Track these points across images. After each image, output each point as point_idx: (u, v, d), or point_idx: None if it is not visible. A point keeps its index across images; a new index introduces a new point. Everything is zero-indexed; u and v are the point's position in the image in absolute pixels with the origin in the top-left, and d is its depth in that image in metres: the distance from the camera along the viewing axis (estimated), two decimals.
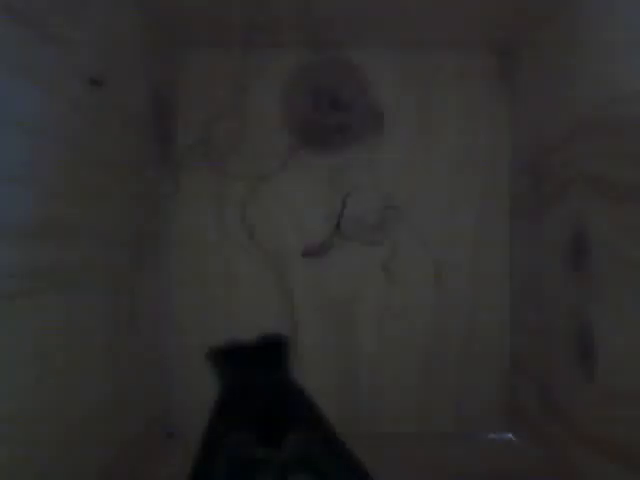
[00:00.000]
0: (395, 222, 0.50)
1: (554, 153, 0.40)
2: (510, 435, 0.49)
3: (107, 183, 0.36)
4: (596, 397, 0.33)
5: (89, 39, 0.33)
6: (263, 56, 0.49)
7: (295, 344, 0.49)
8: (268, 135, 0.50)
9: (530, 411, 0.45)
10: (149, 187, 0.45)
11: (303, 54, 0.50)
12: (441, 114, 0.50)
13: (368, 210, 0.50)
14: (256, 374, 0.34)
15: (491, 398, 0.49)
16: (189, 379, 0.49)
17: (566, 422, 0.37)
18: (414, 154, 0.50)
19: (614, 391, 0.31)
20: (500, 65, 0.50)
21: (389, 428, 0.49)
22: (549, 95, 0.41)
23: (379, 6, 0.41)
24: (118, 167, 0.38)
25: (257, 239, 0.50)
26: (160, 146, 0.47)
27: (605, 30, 0.33)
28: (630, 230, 0.30)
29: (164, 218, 0.49)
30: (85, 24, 0.32)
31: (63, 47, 0.30)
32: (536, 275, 0.44)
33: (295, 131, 0.50)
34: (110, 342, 0.37)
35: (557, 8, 0.39)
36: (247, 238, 0.50)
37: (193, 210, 0.50)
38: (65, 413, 0.31)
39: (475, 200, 0.50)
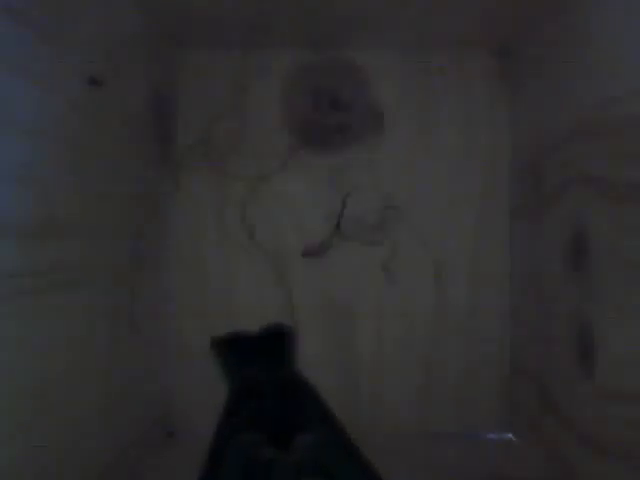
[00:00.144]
0: (395, 222, 0.50)
1: (554, 153, 0.40)
2: (510, 435, 0.49)
3: (107, 183, 0.36)
4: (596, 397, 0.33)
5: (89, 39, 0.33)
6: (263, 56, 0.49)
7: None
8: (268, 135, 0.50)
9: (530, 411, 0.45)
10: (149, 187, 0.45)
11: (303, 54, 0.50)
12: (441, 114, 0.50)
13: (368, 210, 0.50)
14: (260, 362, 0.33)
15: (491, 398, 0.49)
16: (189, 379, 0.49)
17: (566, 422, 0.37)
18: (414, 154, 0.50)
19: (614, 391, 0.31)
20: (500, 65, 0.50)
21: (389, 428, 0.49)
22: (549, 95, 0.41)
23: (379, 6, 0.41)
24: (118, 167, 0.38)
25: (257, 239, 0.50)
26: (160, 146, 0.47)
27: (605, 30, 0.33)
28: (630, 230, 0.30)
29: (164, 218, 0.49)
30: (85, 24, 0.32)
31: (63, 47, 0.30)
32: (536, 275, 0.44)
33: (295, 131, 0.50)
34: (110, 342, 0.37)
35: (557, 8, 0.39)
36: (247, 238, 0.50)
37: (193, 210, 0.50)
38: (65, 413, 0.31)
39: (475, 200, 0.50)
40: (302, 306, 0.50)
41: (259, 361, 0.33)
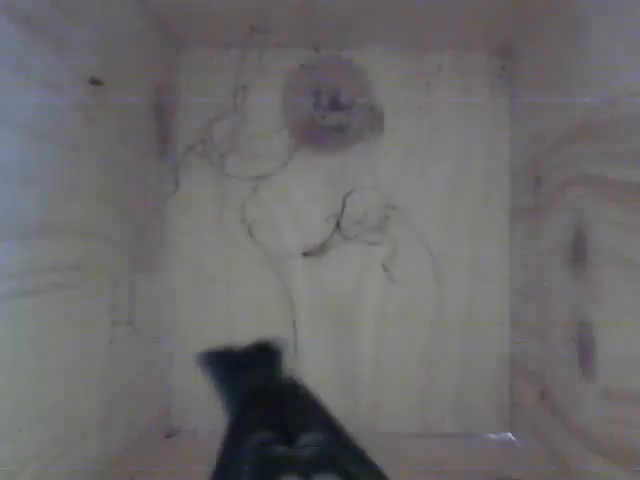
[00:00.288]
0: (395, 222, 0.50)
1: (554, 153, 0.40)
2: (510, 435, 0.49)
3: (107, 183, 0.36)
4: (596, 397, 0.33)
5: (89, 39, 0.33)
6: (263, 56, 0.49)
7: (295, 344, 0.49)
8: (268, 135, 0.50)
9: (530, 411, 0.45)
10: (149, 187, 0.45)
11: (303, 54, 0.50)
12: (441, 114, 0.50)
13: (368, 210, 0.50)
14: (248, 377, 0.34)
15: (491, 398, 0.49)
16: (189, 379, 0.49)
17: (566, 422, 0.37)
18: (414, 154, 0.50)
19: (614, 391, 0.31)
20: (500, 64, 0.50)
21: (389, 428, 0.49)
22: (549, 95, 0.41)
23: (379, 6, 0.41)
24: (118, 167, 0.38)
25: (257, 239, 0.50)
26: (160, 146, 0.46)
27: (605, 30, 0.33)
28: (630, 230, 0.30)
29: (164, 218, 0.49)
30: (85, 24, 0.32)
31: (63, 47, 0.30)
32: (536, 275, 0.44)
33: (295, 131, 0.50)
34: (110, 342, 0.37)
35: (557, 7, 0.39)
36: (247, 238, 0.50)
37: (193, 210, 0.50)
38: (65, 413, 0.31)
39: (475, 200, 0.50)
40: (302, 306, 0.50)
41: (249, 375, 0.34)
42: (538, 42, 0.44)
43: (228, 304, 0.50)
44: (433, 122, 0.50)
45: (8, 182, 0.26)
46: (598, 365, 0.33)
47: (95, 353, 0.35)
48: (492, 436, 0.49)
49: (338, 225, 0.49)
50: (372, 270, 0.50)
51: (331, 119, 0.50)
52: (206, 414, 0.49)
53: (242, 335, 0.49)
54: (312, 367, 0.49)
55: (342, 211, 0.49)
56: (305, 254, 0.50)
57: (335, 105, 0.50)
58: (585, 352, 0.35)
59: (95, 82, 0.33)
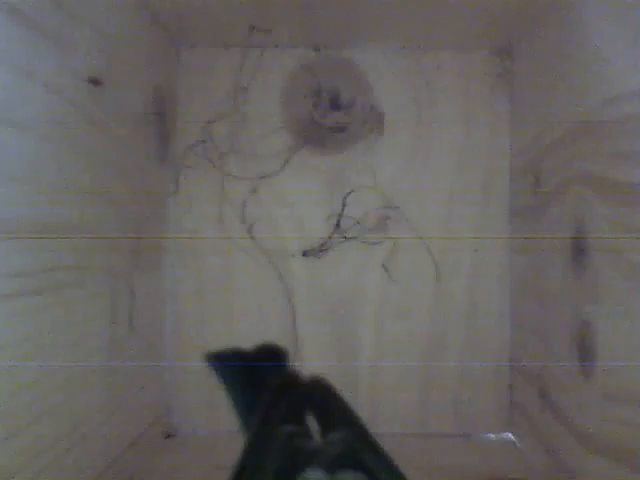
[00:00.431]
0: (395, 222, 0.50)
1: (554, 153, 0.40)
2: (510, 435, 0.49)
3: (107, 183, 0.36)
4: (596, 397, 0.33)
5: (89, 39, 0.33)
6: (263, 56, 0.49)
7: (295, 343, 0.49)
8: (268, 135, 0.50)
9: (530, 411, 0.45)
10: (149, 187, 0.45)
11: (303, 54, 0.50)
12: (441, 114, 0.50)
13: (368, 210, 0.50)
14: (258, 380, 0.34)
15: (491, 398, 0.49)
16: (189, 379, 0.49)
17: (566, 422, 0.37)
18: (414, 154, 0.50)
19: (614, 391, 0.31)
20: (500, 65, 0.50)
21: (389, 428, 0.49)
22: (549, 95, 0.41)
23: (379, 6, 0.41)
24: (118, 167, 0.38)
25: (257, 239, 0.50)
26: (160, 146, 0.46)
27: (605, 29, 0.33)
28: (630, 230, 0.30)
29: (164, 218, 0.49)
30: (85, 24, 0.32)
31: (63, 47, 0.30)
32: (536, 275, 0.44)
33: (295, 131, 0.50)
34: (110, 342, 0.37)
35: (557, 8, 0.39)
36: (247, 238, 0.50)
37: (193, 210, 0.50)
38: (65, 413, 0.31)
39: (475, 200, 0.50)
40: (302, 306, 0.50)
41: (258, 377, 0.34)
42: (538, 42, 0.44)
43: (228, 304, 0.50)
44: (433, 122, 0.50)
45: (8, 182, 0.26)
46: (598, 365, 0.33)
47: (95, 353, 0.35)
48: (492, 436, 0.49)
49: (338, 225, 0.49)
50: (372, 270, 0.50)
51: (331, 119, 0.50)
52: (206, 414, 0.49)
53: (242, 335, 0.49)
54: (312, 366, 0.49)
55: (342, 211, 0.49)
56: (305, 254, 0.50)
57: (335, 105, 0.50)
58: (585, 352, 0.35)
59: (95, 82, 0.33)
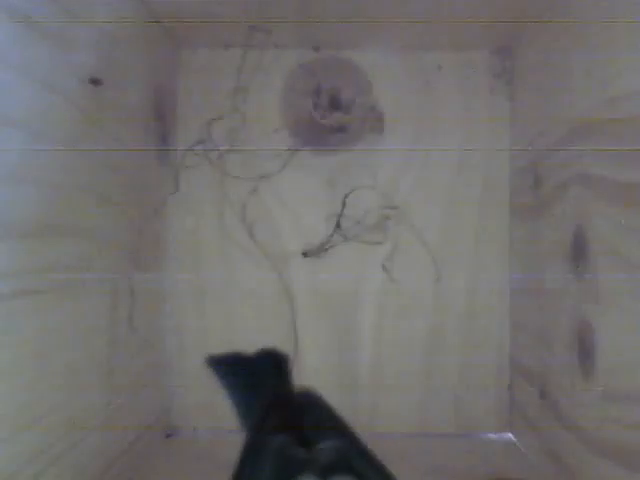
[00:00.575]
0: (395, 222, 0.50)
1: (554, 153, 0.40)
2: (510, 435, 0.49)
3: (107, 183, 0.36)
4: (596, 397, 0.33)
5: (89, 39, 0.33)
6: (263, 56, 0.49)
7: (295, 343, 0.49)
8: (268, 135, 0.50)
9: (530, 411, 0.45)
10: (149, 187, 0.45)
11: (303, 54, 0.50)
12: (441, 114, 0.50)
13: (368, 210, 0.50)
14: (261, 382, 0.34)
15: (491, 398, 0.49)
16: (189, 379, 0.49)
17: (566, 422, 0.37)
18: (414, 154, 0.50)
19: (614, 391, 0.31)
20: (500, 65, 0.50)
21: (389, 428, 0.49)
22: (549, 95, 0.41)
23: (379, 6, 0.41)
24: (118, 167, 0.38)
25: (257, 239, 0.50)
26: (160, 146, 0.47)
27: (605, 30, 0.33)
28: (630, 230, 0.30)
29: (164, 218, 0.49)
30: (85, 24, 0.32)
31: (63, 47, 0.30)
32: (536, 275, 0.44)
33: (295, 131, 0.50)
34: (110, 342, 0.37)
35: (557, 8, 0.39)
36: (247, 238, 0.50)
37: (193, 210, 0.50)
38: (65, 413, 0.31)
39: (475, 200, 0.50)
40: (302, 306, 0.50)
41: (262, 380, 0.35)
42: (538, 42, 0.44)
43: (228, 304, 0.50)
44: (433, 122, 0.50)
45: (8, 182, 0.26)
46: (598, 365, 0.33)
47: (95, 353, 0.35)
48: (492, 436, 0.49)
49: (338, 225, 0.49)
50: (372, 270, 0.50)
51: (331, 119, 0.50)
52: (206, 414, 0.49)
53: (242, 335, 0.49)
54: (312, 367, 0.49)
55: (342, 211, 0.49)
56: (305, 254, 0.50)
57: (335, 105, 0.50)
58: (585, 352, 0.35)
59: (95, 82, 0.33)
